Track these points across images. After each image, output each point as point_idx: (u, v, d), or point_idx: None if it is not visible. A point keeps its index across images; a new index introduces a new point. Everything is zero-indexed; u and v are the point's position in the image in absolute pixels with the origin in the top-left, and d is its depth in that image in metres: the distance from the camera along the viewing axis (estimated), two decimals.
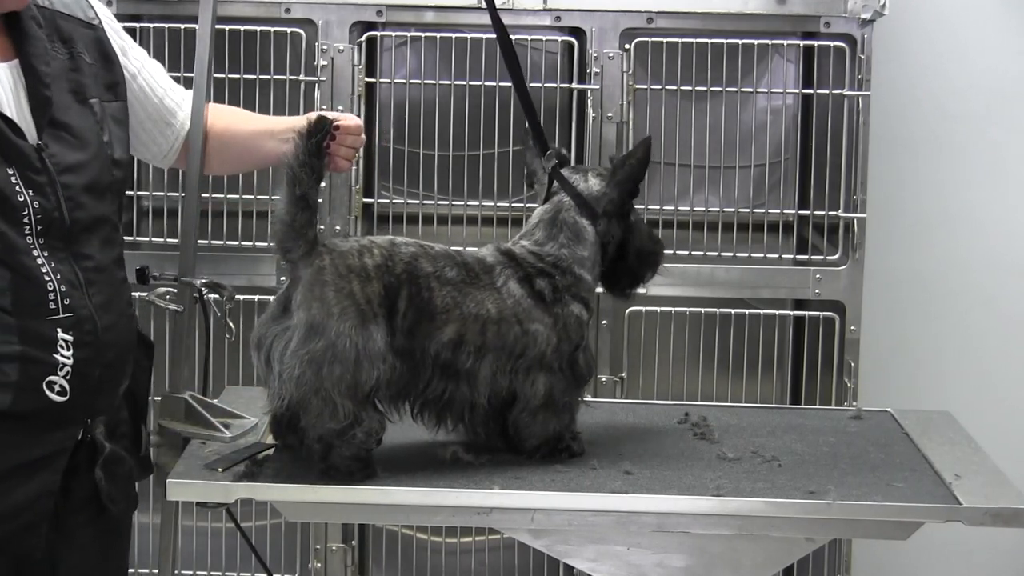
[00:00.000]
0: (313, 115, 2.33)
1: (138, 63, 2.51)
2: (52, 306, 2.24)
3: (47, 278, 2.24)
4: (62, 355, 2.26)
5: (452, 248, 2.47)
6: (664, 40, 3.44)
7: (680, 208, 3.52)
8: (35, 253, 2.24)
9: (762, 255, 3.48)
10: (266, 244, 3.44)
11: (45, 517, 2.29)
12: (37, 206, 2.24)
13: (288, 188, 2.30)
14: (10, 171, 2.22)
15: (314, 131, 2.29)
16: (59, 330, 2.25)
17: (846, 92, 3.43)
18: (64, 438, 2.31)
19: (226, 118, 2.63)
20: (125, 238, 2.44)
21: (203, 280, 2.52)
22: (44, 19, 2.35)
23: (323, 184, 2.90)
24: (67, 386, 2.26)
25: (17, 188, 2.23)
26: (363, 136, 2.51)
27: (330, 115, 2.36)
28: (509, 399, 2.45)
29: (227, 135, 2.60)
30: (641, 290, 2.67)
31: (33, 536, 2.29)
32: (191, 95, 2.59)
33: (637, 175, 2.53)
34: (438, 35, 3.43)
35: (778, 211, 3.59)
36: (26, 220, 2.23)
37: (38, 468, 2.28)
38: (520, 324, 2.43)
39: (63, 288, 2.25)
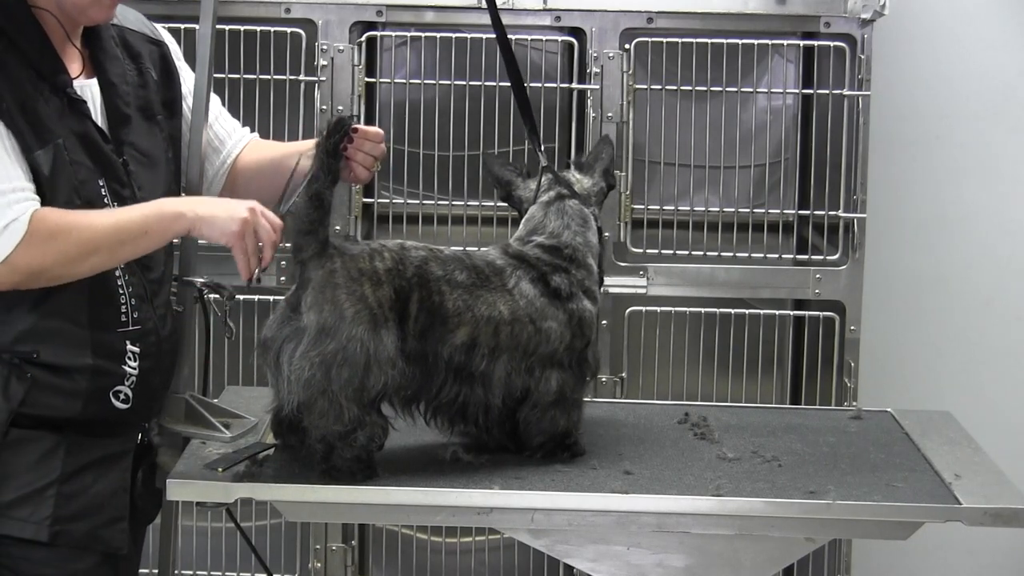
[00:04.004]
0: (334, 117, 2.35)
1: (189, 87, 2.52)
2: (123, 319, 2.32)
3: (120, 291, 2.31)
4: (129, 366, 2.34)
5: (461, 251, 2.47)
6: (664, 40, 3.44)
7: (680, 208, 3.51)
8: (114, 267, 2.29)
9: (762, 255, 3.48)
10: None
11: (124, 512, 2.37)
12: None
13: (304, 186, 2.31)
14: (101, 182, 2.28)
15: (332, 131, 2.31)
16: (128, 342, 2.33)
17: (846, 92, 3.43)
18: (125, 441, 2.39)
19: (261, 148, 2.63)
20: None
21: (203, 280, 2.52)
22: (115, 35, 2.39)
23: None
24: (131, 395, 2.34)
25: (106, 200, 2.29)
26: (383, 146, 2.50)
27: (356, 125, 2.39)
28: (522, 398, 2.45)
29: (262, 161, 2.60)
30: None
31: (118, 531, 2.36)
32: (238, 126, 2.62)
33: (612, 166, 2.66)
34: (438, 35, 3.43)
35: (778, 211, 3.59)
36: None
37: (108, 466, 2.35)
38: (533, 323, 2.43)
39: (133, 301, 2.32)
